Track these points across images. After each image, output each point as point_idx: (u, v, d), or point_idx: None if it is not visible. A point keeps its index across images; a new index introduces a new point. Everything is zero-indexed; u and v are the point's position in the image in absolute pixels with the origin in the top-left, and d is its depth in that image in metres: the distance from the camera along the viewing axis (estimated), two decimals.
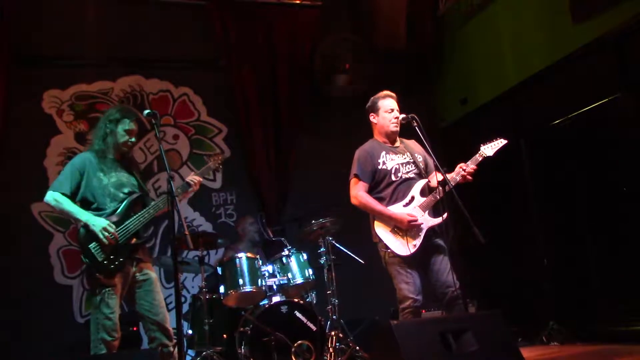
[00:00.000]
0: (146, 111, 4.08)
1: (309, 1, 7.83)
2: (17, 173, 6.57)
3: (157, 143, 4.04)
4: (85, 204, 4.10)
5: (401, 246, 4.24)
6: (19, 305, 6.25)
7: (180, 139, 7.39)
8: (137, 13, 7.31)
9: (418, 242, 4.24)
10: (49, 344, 6.17)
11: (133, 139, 4.27)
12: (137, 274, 4.15)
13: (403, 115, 4.45)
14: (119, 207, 4.12)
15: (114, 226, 4.02)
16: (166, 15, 7.45)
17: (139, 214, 4.15)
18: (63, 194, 4.07)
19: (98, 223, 3.99)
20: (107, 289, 3.97)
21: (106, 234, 3.97)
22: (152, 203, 4.22)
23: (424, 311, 5.79)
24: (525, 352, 3.76)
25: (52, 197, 4.07)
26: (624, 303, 5.65)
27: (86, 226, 4.00)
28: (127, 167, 4.33)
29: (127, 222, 4.10)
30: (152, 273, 4.23)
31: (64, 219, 6.65)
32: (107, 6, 7.11)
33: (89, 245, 3.98)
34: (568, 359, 5.12)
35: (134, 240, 4.13)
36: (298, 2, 7.83)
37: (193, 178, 4.37)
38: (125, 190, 4.21)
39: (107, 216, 4.07)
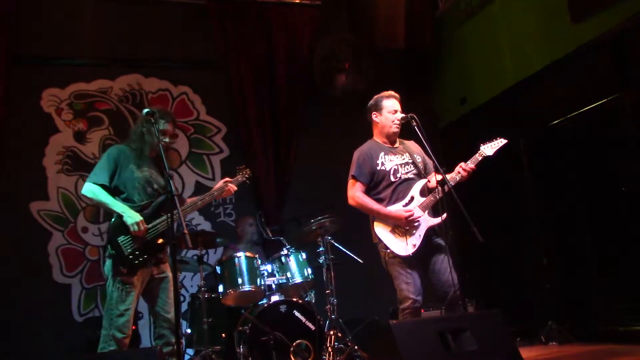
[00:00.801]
0: (145, 110, 4.10)
1: (308, 1, 7.83)
2: (16, 172, 6.57)
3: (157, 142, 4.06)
4: (116, 193, 4.18)
5: (401, 246, 4.24)
6: (18, 304, 6.25)
7: (180, 138, 7.38)
8: (136, 12, 7.31)
9: (418, 242, 4.24)
10: (48, 343, 6.16)
11: (167, 139, 4.34)
12: (156, 272, 4.21)
13: (402, 115, 4.45)
14: (149, 204, 4.18)
15: (144, 223, 4.08)
16: (165, 15, 7.45)
17: (168, 215, 4.18)
18: (102, 185, 4.13)
19: (133, 216, 4.05)
20: (126, 286, 4.01)
21: (136, 228, 4.02)
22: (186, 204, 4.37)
23: (422, 311, 5.79)
24: (524, 352, 3.77)
25: (90, 189, 4.14)
26: (623, 303, 5.65)
27: (119, 217, 4.05)
28: (159, 167, 4.39)
29: (155, 222, 4.15)
30: (169, 272, 4.29)
31: (63, 218, 6.69)
32: (106, 5, 7.12)
33: (118, 238, 4.04)
34: (567, 359, 5.12)
35: (160, 240, 4.17)
36: (297, 1, 7.82)
37: (231, 186, 4.54)
38: (154, 187, 4.28)
39: (137, 211, 4.13)
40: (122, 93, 7.23)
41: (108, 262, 4.09)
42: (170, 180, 3.80)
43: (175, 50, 7.45)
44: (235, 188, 4.60)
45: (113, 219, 4.12)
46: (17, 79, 6.69)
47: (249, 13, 7.58)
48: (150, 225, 4.11)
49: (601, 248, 5.91)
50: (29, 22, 6.80)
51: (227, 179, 4.65)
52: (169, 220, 4.13)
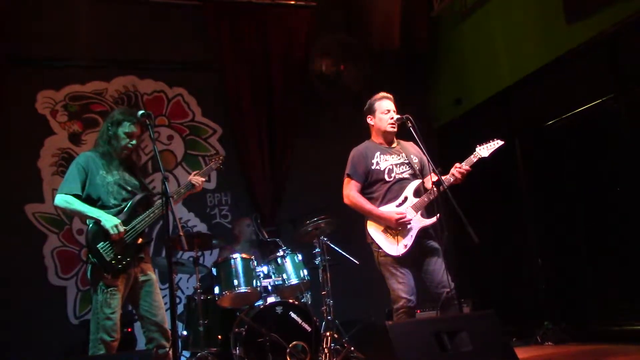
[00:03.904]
0: (140, 112, 4.08)
1: (303, 2, 7.83)
2: (11, 173, 6.55)
3: (152, 144, 4.01)
4: (89, 202, 4.11)
5: (392, 246, 4.25)
6: (13, 306, 6.23)
7: (175, 140, 7.38)
8: (131, 14, 7.30)
9: (409, 242, 4.24)
10: (43, 345, 6.15)
11: (133, 142, 4.27)
12: (139, 275, 4.16)
13: (398, 116, 4.45)
14: (125, 207, 4.13)
15: (122, 225, 4.04)
16: (160, 16, 7.43)
17: (145, 213, 4.16)
18: (74, 195, 4.07)
19: (110, 219, 4.01)
20: (109, 289, 3.97)
21: (116, 230, 3.98)
22: (157, 202, 4.21)
23: (418, 311, 5.79)
24: (519, 352, 3.76)
25: (63, 199, 4.07)
26: (618, 303, 5.66)
27: (97, 224, 4.00)
28: (130, 168, 4.35)
29: (134, 222, 4.11)
30: (153, 275, 4.24)
31: (59, 220, 6.67)
32: (100, 7, 7.10)
33: (97, 245, 3.98)
34: (562, 359, 5.13)
35: (140, 240, 4.14)
36: (292, 2, 7.82)
37: (197, 179, 4.40)
38: (129, 189, 4.23)
39: (114, 215, 4.08)
40: (117, 95, 7.21)
41: (90, 269, 4.05)
42: (166, 182, 3.76)
43: (170, 51, 7.44)
44: (203, 179, 4.46)
45: (89, 227, 4.05)
46: (12, 81, 6.68)
47: (244, 14, 7.58)
48: (128, 227, 4.07)
49: (596, 248, 5.92)
50: (23, 24, 6.78)
51: (195, 172, 4.51)
52: (147, 218, 4.13)
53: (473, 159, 4.31)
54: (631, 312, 5.48)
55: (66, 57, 7.03)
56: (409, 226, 4.26)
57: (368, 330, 6.17)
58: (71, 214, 4.24)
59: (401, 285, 4.20)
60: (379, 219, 4.33)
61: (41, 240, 6.63)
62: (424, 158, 4.50)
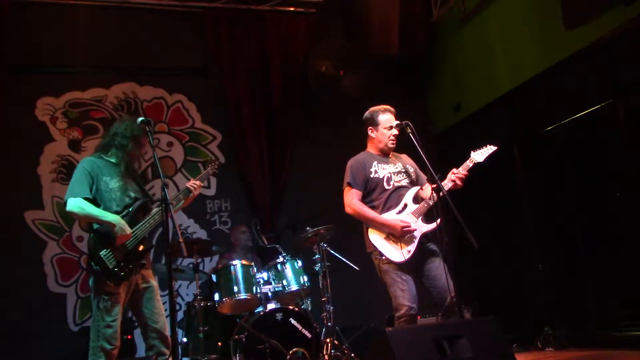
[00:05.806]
0: (140, 118, 4.06)
1: (302, 8, 7.85)
2: (10, 180, 6.55)
3: (151, 150, 4.00)
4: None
5: (396, 253, 4.25)
6: (12, 313, 6.22)
7: (175, 146, 7.38)
8: (131, 20, 7.31)
9: (412, 248, 4.24)
10: (43, 353, 6.13)
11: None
12: (140, 282, 4.14)
13: (397, 122, 4.46)
14: (126, 213, 4.11)
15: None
16: (160, 23, 7.45)
17: (145, 220, 4.14)
18: (85, 198, 4.03)
19: (123, 227, 3.98)
20: (111, 296, 3.95)
21: (126, 231, 3.96)
22: (157, 209, 4.18)
23: (419, 318, 5.77)
24: (520, 358, 3.78)
25: (76, 204, 4.01)
26: (619, 308, 5.66)
27: (98, 232, 3.98)
28: (132, 174, 4.34)
29: (134, 229, 4.09)
30: (154, 281, 4.23)
31: (58, 227, 6.66)
32: (100, 14, 7.11)
33: (100, 253, 3.96)
34: None
35: (141, 247, 4.13)
36: (292, 9, 7.84)
37: (193, 184, 4.41)
38: (132, 195, 4.21)
39: None
40: (117, 101, 7.21)
41: (92, 276, 4.03)
42: (166, 189, 3.75)
43: (170, 58, 7.45)
44: (200, 183, 4.47)
45: (91, 235, 4.03)
46: (12, 88, 6.68)
47: (243, 20, 7.60)
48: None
49: (596, 254, 5.92)
50: (23, 31, 6.78)
51: (192, 179, 4.51)
52: (147, 224, 4.12)
53: (469, 164, 4.35)
54: (632, 318, 5.47)
55: (66, 64, 7.03)
56: (412, 233, 4.27)
57: (368, 337, 6.15)
58: (85, 219, 4.12)
59: (403, 293, 4.19)
60: (382, 227, 4.32)
61: (41, 247, 6.62)
62: (418, 169, 4.56)
